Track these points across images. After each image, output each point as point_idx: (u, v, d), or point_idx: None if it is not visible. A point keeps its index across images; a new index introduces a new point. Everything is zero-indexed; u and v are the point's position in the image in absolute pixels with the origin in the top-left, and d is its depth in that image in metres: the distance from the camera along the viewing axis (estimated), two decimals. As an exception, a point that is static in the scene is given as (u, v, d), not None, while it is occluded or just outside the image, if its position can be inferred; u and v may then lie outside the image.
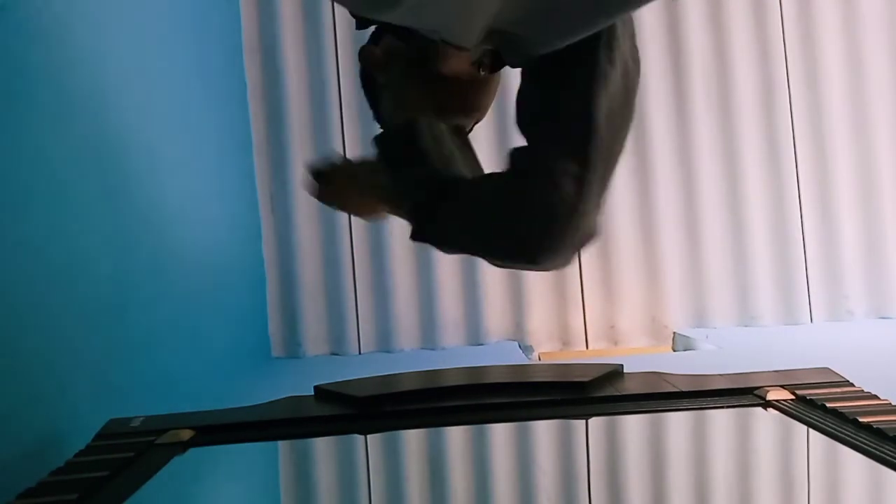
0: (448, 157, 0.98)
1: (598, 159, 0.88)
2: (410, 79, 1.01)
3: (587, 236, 0.92)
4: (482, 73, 0.98)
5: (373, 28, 1.01)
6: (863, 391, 1.15)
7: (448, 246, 1.01)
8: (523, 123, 0.95)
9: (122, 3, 1.71)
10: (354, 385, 1.36)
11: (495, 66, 0.98)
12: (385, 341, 2.87)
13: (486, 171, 1.01)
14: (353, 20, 0.96)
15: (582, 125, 0.88)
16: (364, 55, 1.04)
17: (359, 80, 1.13)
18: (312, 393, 1.34)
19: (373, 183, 1.04)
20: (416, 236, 0.99)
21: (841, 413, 1.05)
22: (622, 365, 1.37)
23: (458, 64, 0.96)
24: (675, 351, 2.83)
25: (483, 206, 0.94)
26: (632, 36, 0.94)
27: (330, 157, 1.12)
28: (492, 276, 2.87)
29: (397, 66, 1.02)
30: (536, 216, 0.89)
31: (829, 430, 1.03)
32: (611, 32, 0.89)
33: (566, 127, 0.89)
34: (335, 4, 0.79)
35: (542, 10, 0.85)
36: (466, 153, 1.02)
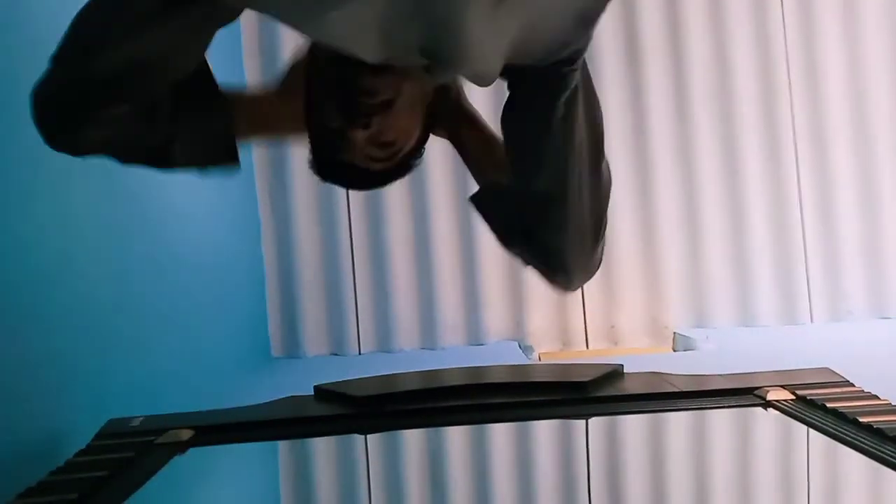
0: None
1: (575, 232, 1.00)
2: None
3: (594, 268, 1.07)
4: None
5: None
6: (863, 391, 1.15)
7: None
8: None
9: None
10: (354, 385, 1.36)
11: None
12: (385, 341, 2.87)
13: None
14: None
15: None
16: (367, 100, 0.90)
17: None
18: (312, 393, 1.34)
19: None
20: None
21: (841, 413, 1.05)
22: (622, 365, 1.37)
23: (393, 84, 0.89)
24: (675, 351, 2.83)
25: None
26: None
27: None
28: (492, 276, 2.87)
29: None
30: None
31: (829, 430, 1.03)
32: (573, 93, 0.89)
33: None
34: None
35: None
36: None
